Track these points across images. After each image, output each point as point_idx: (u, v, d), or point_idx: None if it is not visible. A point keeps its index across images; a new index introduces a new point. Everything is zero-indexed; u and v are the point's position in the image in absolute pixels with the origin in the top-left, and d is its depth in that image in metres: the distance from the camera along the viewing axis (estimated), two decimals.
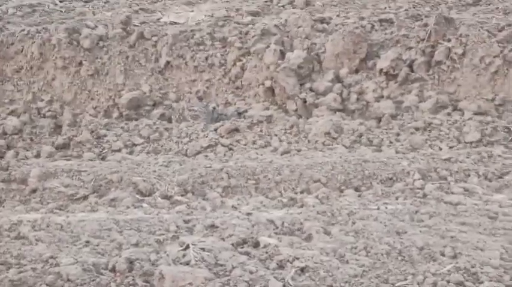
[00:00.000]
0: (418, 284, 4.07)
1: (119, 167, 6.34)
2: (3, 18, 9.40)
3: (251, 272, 4.14)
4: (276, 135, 7.19)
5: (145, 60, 8.37)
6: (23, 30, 8.55)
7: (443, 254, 4.38)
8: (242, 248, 4.50)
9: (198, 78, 8.25)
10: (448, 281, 4.05)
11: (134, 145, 7.20)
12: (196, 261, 4.21)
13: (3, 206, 5.84)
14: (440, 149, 6.72)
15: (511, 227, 4.76)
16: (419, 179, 5.86)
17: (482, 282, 4.03)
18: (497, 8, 9.03)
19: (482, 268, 4.16)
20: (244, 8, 9.36)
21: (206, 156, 6.77)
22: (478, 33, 8.12)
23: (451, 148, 6.77)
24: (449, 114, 7.50)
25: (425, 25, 8.40)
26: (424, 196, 5.48)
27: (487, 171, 6.01)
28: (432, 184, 5.71)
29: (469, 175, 5.94)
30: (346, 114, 7.68)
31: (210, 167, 6.23)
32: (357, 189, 5.78)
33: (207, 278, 4.02)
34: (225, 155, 6.80)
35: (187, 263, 4.21)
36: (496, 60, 7.87)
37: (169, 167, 6.29)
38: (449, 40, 8.17)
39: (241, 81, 8.21)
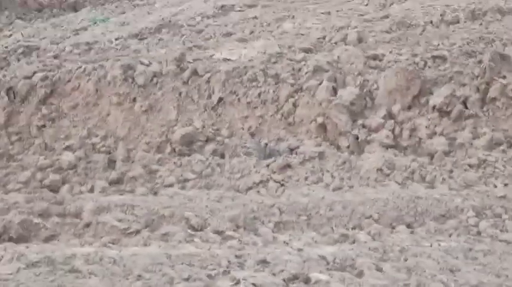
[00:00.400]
0: None
1: (171, 202, 6.38)
2: (60, 56, 9.59)
3: None
4: (328, 171, 7.18)
5: (198, 96, 8.45)
6: (80, 67, 8.70)
7: None
8: (293, 283, 4.50)
9: (250, 114, 8.30)
10: None
11: (186, 180, 7.25)
12: None
13: (58, 240, 5.91)
14: (495, 186, 6.65)
15: None
16: (473, 217, 5.80)
17: None
18: None
19: None
20: (296, 44, 9.39)
21: (258, 192, 6.79)
22: None
23: (506, 185, 6.69)
24: (504, 151, 7.43)
25: (480, 62, 8.36)
26: (478, 233, 5.43)
27: None
28: (487, 221, 5.64)
29: None
30: (398, 150, 7.63)
31: (262, 202, 6.25)
32: (409, 226, 5.75)
33: None
34: (276, 191, 6.81)
35: None
36: None
37: (221, 203, 6.32)
38: (504, 77, 8.12)
39: (294, 118, 8.22)
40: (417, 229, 5.65)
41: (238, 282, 4.39)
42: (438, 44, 9.27)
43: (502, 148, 7.48)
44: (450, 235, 5.45)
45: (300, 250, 5.10)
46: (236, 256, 4.96)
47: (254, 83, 8.43)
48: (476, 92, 8.04)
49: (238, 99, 8.33)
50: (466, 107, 8.02)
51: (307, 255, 4.95)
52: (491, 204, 5.99)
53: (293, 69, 8.55)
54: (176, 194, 6.74)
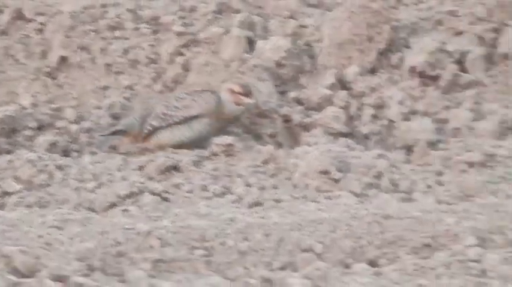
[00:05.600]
0: None
1: None
2: None
3: None
4: (240, 176, 7.24)
5: (25, 54, 8.39)
6: None
7: None
8: None
9: (112, 83, 8.28)
10: None
11: (6, 193, 7.20)
12: None
13: None
14: (509, 196, 6.78)
15: None
16: (474, 246, 5.90)
17: None
18: None
19: None
20: None
21: (125, 211, 6.78)
22: None
23: None
24: None
25: None
26: (483, 273, 5.52)
27: None
28: (495, 253, 5.75)
29: None
30: (355, 141, 7.73)
31: (132, 229, 6.24)
32: (373, 263, 5.81)
33: None
34: (156, 209, 6.82)
35: None
36: None
37: (64, 230, 6.30)
38: None
39: (184, 88, 8.25)
40: (386, 268, 5.71)
41: None
42: None
43: None
44: (438, 277, 5.53)
45: None
46: None
47: (118, 33, 8.41)
48: (480, 45, 8.19)
49: (92, 60, 8.30)
50: (464, 70, 8.15)
51: None
52: (502, 225, 6.10)
53: (182, 9, 8.56)
54: None
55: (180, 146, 7.74)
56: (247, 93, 7.76)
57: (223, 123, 7.81)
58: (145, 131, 7.86)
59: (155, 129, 7.80)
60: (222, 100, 7.80)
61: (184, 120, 7.76)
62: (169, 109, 7.78)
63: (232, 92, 7.77)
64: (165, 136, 7.79)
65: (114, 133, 7.89)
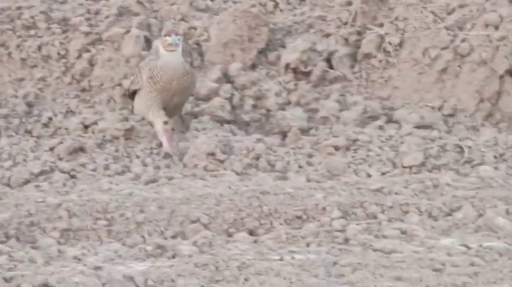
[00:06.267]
0: None
1: None
2: None
3: None
4: (138, 156, 7.21)
5: None
6: None
7: None
8: None
9: (27, 76, 8.18)
10: None
11: None
12: None
13: None
14: (369, 175, 6.84)
15: (462, 282, 4.88)
16: (339, 218, 5.94)
17: None
18: None
19: None
20: None
21: (38, 186, 6.71)
22: (420, 16, 8.32)
23: (383, 174, 6.89)
24: (381, 127, 7.64)
25: (349, 4, 8.55)
26: (346, 241, 5.56)
27: (432, 206, 6.14)
28: (357, 224, 5.79)
29: (407, 212, 6.05)
30: (238, 127, 7.73)
31: (43, 202, 6.18)
32: (252, 232, 5.82)
33: None
34: (64, 185, 6.76)
35: None
36: (445, 54, 8.07)
37: None
38: (381, 25, 8.34)
39: (90, 81, 8.17)
40: (263, 237, 5.71)
41: None
42: None
43: (378, 123, 7.69)
44: (308, 245, 5.55)
45: (97, 268, 5.07)
46: (5, 279, 4.88)
47: (32, 31, 8.31)
48: (345, 46, 8.23)
49: (9, 54, 8.19)
50: (332, 67, 8.18)
51: (107, 276, 4.93)
52: (363, 200, 6.14)
53: (89, 11, 8.49)
54: None
55: None
56: None
57: None
58: None
59: None
60: None
61: None
62: None
63: None
64: None
65: None
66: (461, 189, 6.48)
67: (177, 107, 7.54)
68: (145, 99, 7.41)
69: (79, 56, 8.23)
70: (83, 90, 8.14)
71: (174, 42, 7.32)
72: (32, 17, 8.34)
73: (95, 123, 7.71)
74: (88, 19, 8.39)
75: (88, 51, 8.24)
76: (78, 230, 5.92)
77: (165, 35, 7.42)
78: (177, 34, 7.44)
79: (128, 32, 8.28)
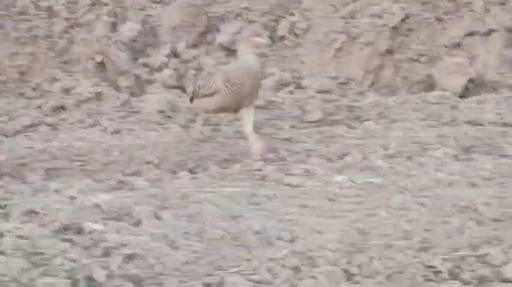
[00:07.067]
0: (253, 269, 4.11)
1: None
2: None
3: (73, 261, 4.07)
4: (106, 113, 7.13)
5: None
6: None
7: (280, 238, 4.44)
8: (65, 234, 4.42)
9: (19, 51, 8.05)
10: (284, 266, 4.11)
11: None
12: (12, 250, 4.11)
13: None
14: (282, 128, 6.83)
15: (350, 209, 4.89)
16: (258, 160, 5.91)
17: (318, 266, 4.11)
18: None
19: (319, 252, 4.25)
20: None
21: (27, 136, 6.62)
22: (322, 8, 8.32)
23: (292, 127, 6.89)
24: (291, 92, 7.65)
25: None
26: (263, 177, 5.54)
27: (329, 152, 6.15)
28: (272, 165, 5.77)
29: (310, 156, 6.05)
30: (183, 91, 7.69)
31: (32, 147, 6.11)
32: (192, 171, 5.78)
33: (24, 269, 3.93)
34: (48, 135, 6.67)
35: (2, 253, 4.10)
36: (340, 37, 8.09)
37: None
38: (292, 14, 8.33)
39: (69, 56, 8.08)
40: (200, 174, 5.68)
41: (1, 235, 4.26)
42: None
43: (289, 88, 7.70)
44: (234, 180, 5.52)
45: (72, 198, 5.01)
46: (1, 207, 4.81)
47: (24, 16, 8.17)
48: (265, 30, 8.21)
49: (5, 34, 8.04)
50: None
51: (80, 203, 4.87)
52: (276, 147, 6.13)
53: (68, 1, 8.36)
54: None
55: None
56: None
57: None
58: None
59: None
60: None
61: None
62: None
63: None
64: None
65: None
66: (351, 139, 6.49)
67: (250, 102, 6.17)
68: (219, 102, 6.08)
69: (61, 36, 8.14)
70: (64, 62, 8.05)
71: (263, 42, 6.15)
72: (24, 5, 8.21)
73: (73, 88, 7.63)
74: (68, 7, 8.29)
75: (68, 32, 8.15)
76: (58, 169, 5.84)
77: (253, 36, 6.11)
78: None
79: (98, 18, 8.20)
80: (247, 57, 5.92)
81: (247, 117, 5.89)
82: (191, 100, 6.49)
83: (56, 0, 8.36)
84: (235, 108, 5.92)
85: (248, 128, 5.76)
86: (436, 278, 4.06)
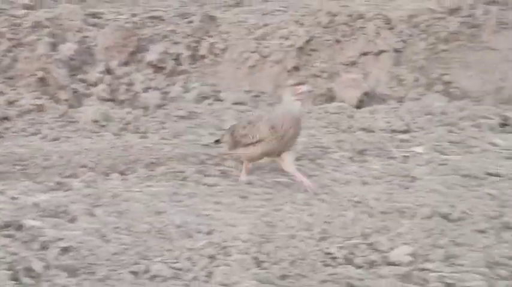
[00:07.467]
0: (175, 258, 4.11)
1: None
2: None
3: (14, 254, 4.00)
4: (46, 123, 7.01)
5: None
6: None
7: (199, 231, 4.44)
8: (6, 231, 4.33)
9: None
10: (202, 255, 4.11)
11: None
12: None
13: None
14: (202, 135, 6.81)
15: (260, 205, 4.90)
16: (180, 164, 5.88)
17: (231, 255, 4.12)
18: (256, 9, 9.30)
19: (232, 243, 4.25)
20: (19, 1, 9.15)
21: None
22: (237, 31, 8.36)
23: (211, 134, 6.87)
24: (210, 104, 7.64)
25: (191, 22, 8.54)
26: (184, 178, 5.51)
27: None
28: (192, 167, 5.74)
29: (225, 159, 6.03)
30: (115, 103, 7.63)
31: None
32: (122, 173, 5.72)
33: None
34: None
35: None
36: (253, 56, 8.12)
37: None
38: (212, 36, 8.35)
39: (14, 72, 7.94)
40: (129, 176, 5.61)
41: None
42: (155, 6, 9.37)
43: (209, 101, 7.69)
44: (159, 181, 5.48)
45: (14, 198, 4.91)
46: None
47: None
48: (188, 50, 8.21)
49: None
50: (179, 64, 8.17)
51: (21, 203, 4.79)
52: (197, 152, 6.11)
53: (13, 24, 8.24)
54: None
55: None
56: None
57: None
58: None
59: None
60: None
61: None
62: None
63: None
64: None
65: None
66: None
67: (292, 146, 5.40)
68: (265, 149, 5.29)
69: (5, 55, 8.01)
70: (9, 78, 7.91)
71: (308, 90, 5.32)
72: None
73: (17, 100, 7.49)
74: (12, 29, 8.16)
75: (11, 51, 8.01)
76: (1, 173, 5.70)
77: (297, 84, 5.25)
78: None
79: (40, 39, 8.08)
80: (291, 104, 5.25)
81: (290, 158, 5.51)
82: (217, 141, 5.90)
83: (1, 23, 8.23)
84: (278, 153, 5.33)
85: (291, 168, 5.40)
86: (333, 263, 4.11)
